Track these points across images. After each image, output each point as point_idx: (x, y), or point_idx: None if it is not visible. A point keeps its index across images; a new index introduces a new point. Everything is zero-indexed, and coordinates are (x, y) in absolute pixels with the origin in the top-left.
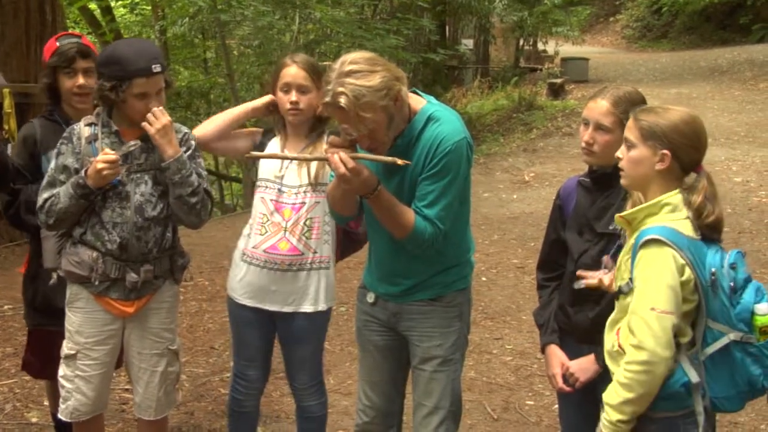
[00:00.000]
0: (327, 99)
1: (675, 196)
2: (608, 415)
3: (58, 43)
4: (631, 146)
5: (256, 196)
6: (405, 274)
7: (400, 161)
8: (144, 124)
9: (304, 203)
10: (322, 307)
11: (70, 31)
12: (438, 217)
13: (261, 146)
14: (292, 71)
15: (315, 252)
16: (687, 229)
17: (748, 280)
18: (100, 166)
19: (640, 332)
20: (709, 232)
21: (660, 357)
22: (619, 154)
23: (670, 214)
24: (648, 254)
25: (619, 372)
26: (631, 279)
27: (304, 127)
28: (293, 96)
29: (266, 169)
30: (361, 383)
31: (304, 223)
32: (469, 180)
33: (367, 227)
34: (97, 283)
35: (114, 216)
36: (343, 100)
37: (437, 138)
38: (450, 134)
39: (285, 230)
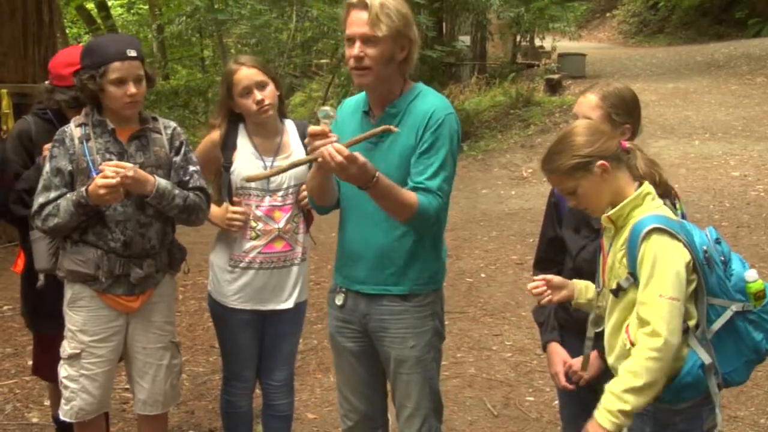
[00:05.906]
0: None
1: (649, 185)
2: (608, 404)
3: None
4: (572, 192)
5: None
6: (379, 266)
7: (393, 128)
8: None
9: (293, 204)
10: (304, 297)
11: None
12: (440, 189)
13: (225, 150)
14: (245, 72)
15: (303, 246)
16: (670, 213)
17: (730, 252)
18: (102, 191)
19: (654, 319)
20: (666, 193)
21: (671, 343)
22: (570, 204)
23: (653, 202)
24: (653, 244)
25: (629, 360)
26: (631, 274)
27: (272, 121)
28: (257, 95)
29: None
30: (340, 387)
31: (294, 221)
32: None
33: (340, 218)
34: (103, 279)
35: (116, 214)
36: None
37: (429, 109)
38: (441, 107)
39: (279, 230)
